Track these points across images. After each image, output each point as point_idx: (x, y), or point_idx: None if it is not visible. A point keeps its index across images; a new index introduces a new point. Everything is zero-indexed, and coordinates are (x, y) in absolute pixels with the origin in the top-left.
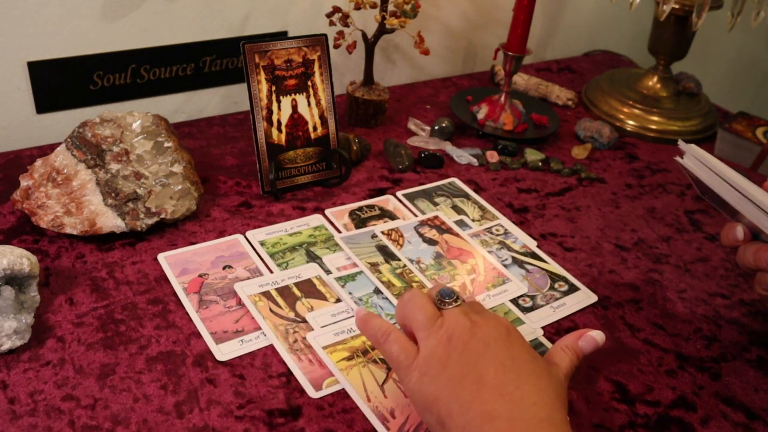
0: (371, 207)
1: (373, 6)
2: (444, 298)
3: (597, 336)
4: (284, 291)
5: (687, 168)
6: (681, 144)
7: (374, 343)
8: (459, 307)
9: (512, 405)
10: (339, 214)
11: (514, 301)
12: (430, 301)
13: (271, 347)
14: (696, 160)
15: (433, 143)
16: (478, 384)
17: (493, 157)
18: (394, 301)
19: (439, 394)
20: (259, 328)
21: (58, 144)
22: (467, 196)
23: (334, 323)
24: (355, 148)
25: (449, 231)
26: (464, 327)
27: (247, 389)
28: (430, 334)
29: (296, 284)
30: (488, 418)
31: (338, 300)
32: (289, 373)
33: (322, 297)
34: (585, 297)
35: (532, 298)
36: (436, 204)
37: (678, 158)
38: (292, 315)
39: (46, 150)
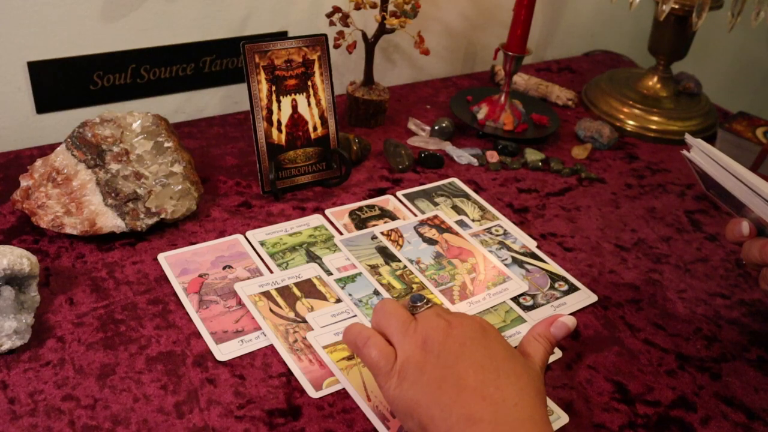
0: (371, 207)
1: (373, 6)
2: (415, 303)
3: (568, 321)
4: (284, 291)
5: (693, 162)
6: (688, 138)
7: (353, 349)
8: (431, 309)
9: (494, 407)
10: (339, 214)
11: (515, 299)
12: (402, 307)
13: (271, 347)
14: (703, 153)
15: (433, 143)
16: (458, 387)
17: (493, 157)
18: None
19: (420, 399)
20: (259, 328)
21: (58, 144)
22: (467, 196)
23: (334, 323)
24: (355, 148)
25: (449, 230)
26: (438, 327)
27: (247, 389)
28: (405, 338)
29: (296, 284)
30: (471, 422)
31: (338, 300)
32: (289, 373)
33: (322, 297)
34: (585, 297)
35: (533, 296)
36: (436, 204)
37: (684, 152)
38: (292, 315)
39: (46, 150)
